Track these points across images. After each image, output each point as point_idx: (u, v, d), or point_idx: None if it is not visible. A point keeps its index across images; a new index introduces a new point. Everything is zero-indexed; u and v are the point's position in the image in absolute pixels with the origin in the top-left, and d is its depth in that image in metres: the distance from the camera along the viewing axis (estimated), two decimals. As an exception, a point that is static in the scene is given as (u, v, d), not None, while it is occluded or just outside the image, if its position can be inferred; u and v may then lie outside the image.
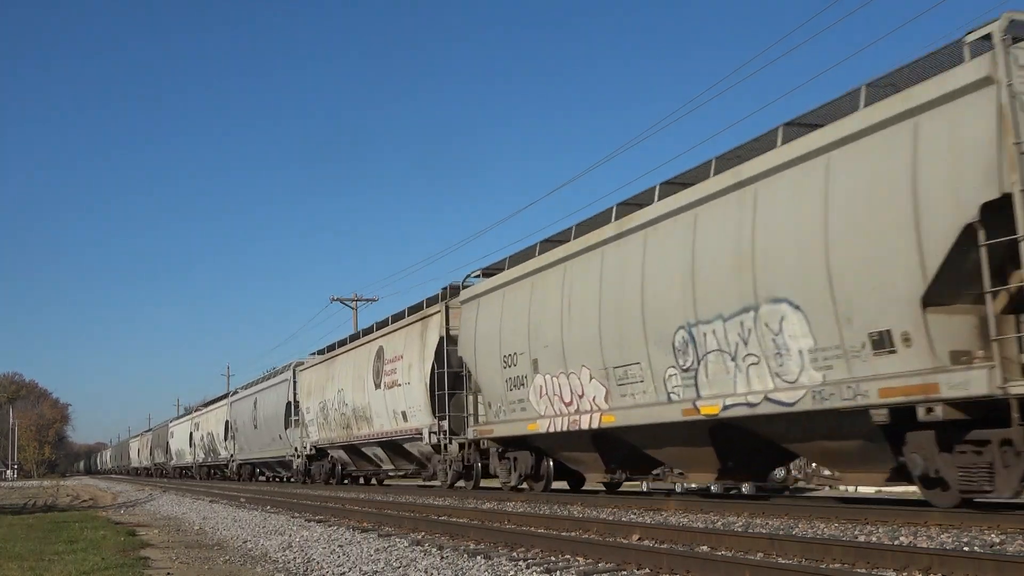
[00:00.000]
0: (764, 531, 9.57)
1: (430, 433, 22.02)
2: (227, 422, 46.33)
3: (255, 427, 40.02)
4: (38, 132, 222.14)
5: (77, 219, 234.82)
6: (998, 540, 8.16)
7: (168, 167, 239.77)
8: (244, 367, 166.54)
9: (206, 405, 56.28)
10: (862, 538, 8.81)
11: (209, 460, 52.70)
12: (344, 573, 8.02)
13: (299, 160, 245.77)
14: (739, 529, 9.89)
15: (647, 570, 7.32)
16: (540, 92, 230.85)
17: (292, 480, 37.02)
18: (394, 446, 25.64)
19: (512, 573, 7.48)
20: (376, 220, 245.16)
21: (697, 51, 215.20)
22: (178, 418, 68.01)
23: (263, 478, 45.49)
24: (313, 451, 32.33)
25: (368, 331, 28.13)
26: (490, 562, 8.11)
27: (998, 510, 9.65)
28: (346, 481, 32.25)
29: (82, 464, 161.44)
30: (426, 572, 7.74)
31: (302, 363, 34.63)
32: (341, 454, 30.55)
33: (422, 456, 24.39)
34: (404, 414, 23.70)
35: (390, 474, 28.99)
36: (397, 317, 25.55)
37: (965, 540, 8.17)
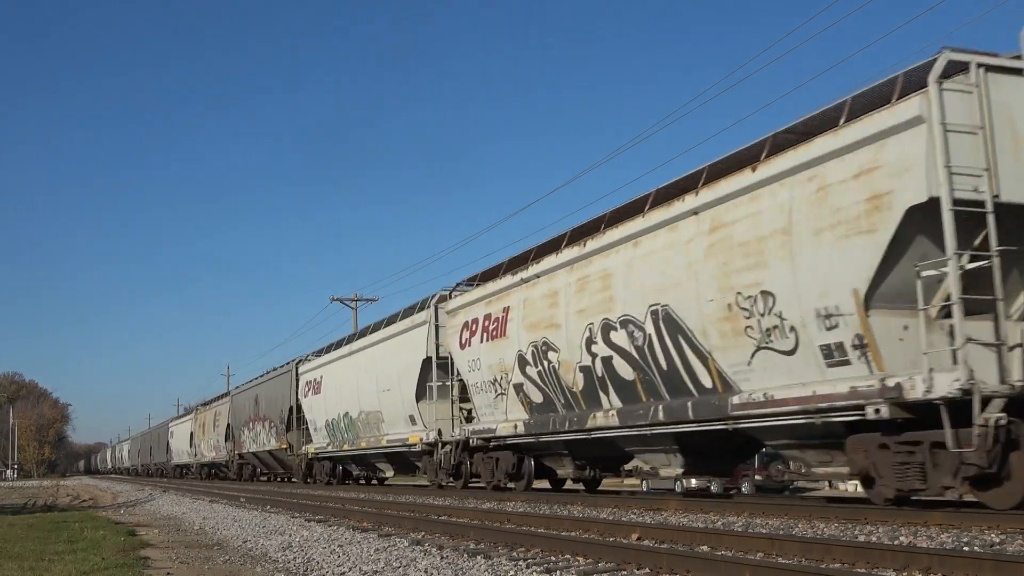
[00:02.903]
0: (764, 531, 9.57)
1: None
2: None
3: None
4: (39, 135, 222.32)
5: (78, 220, 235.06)
6: (998, 540, 8.15)
7: (169, 169, 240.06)
8: (244, 367, 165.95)
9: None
10: (862, 538, 8.81)
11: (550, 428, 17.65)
12: (344, 573, 8.01)
13: (299, 161, 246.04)
14: (739, 529, 9.89)
15: (647, 570, 7.32)
16: (538, 98, 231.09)
17: None
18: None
19: (512, 573, 7.48)
20: (376, 220, 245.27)
21: (696, 53, 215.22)
22: (334, 348, 30.65)
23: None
24: None
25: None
26: (490, 562, 8.10)
27: (998, 510, 9.65)
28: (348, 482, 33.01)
29: (82, 464, 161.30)
30: (426, 572, 7.73)
31: None
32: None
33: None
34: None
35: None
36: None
37: (965, 540, 8.16)
